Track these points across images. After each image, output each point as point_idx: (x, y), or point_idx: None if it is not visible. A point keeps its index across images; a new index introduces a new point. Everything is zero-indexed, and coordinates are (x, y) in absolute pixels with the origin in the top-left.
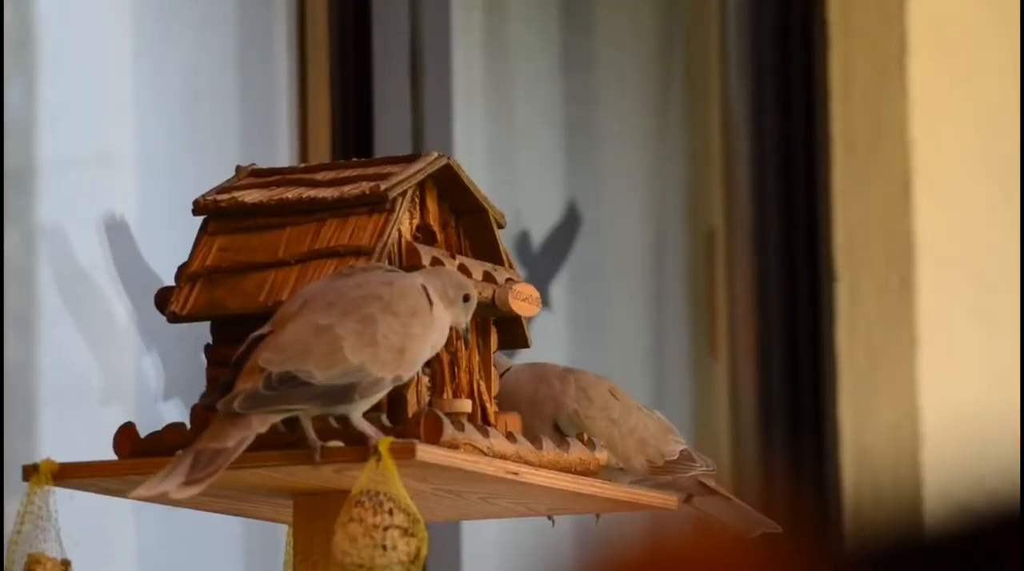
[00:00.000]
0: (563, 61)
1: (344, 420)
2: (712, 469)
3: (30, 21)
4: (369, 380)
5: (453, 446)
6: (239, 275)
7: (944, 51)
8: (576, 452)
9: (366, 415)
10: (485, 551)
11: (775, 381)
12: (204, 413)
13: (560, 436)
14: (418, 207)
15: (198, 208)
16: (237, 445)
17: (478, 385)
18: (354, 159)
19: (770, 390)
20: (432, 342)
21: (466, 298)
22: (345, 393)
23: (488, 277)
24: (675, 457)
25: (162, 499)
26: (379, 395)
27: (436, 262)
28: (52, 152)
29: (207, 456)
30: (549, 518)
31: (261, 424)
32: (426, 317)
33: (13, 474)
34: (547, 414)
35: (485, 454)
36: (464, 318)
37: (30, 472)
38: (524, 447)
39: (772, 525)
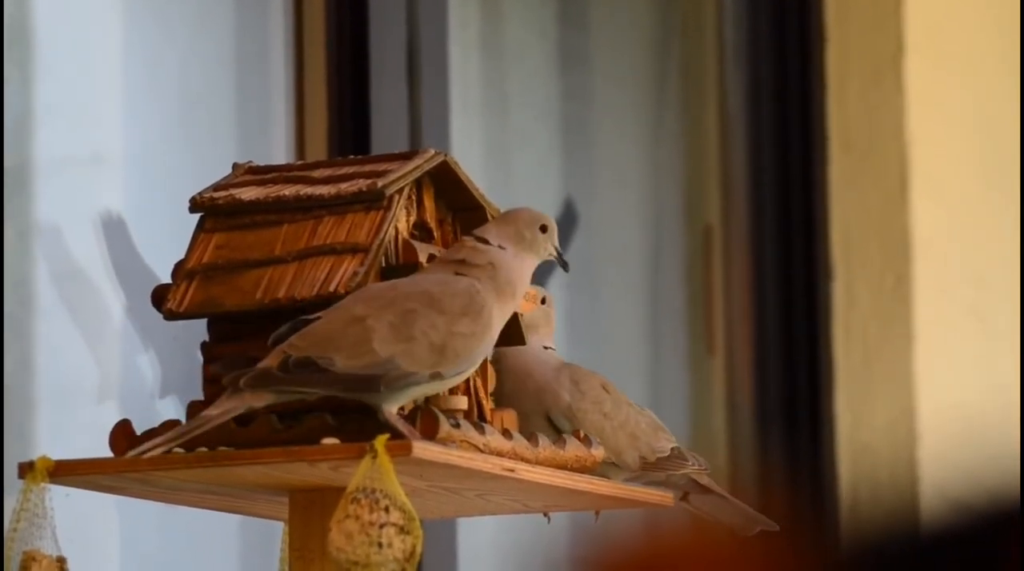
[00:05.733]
0: (560, 59)
1: (374, 413)
2: (705, 467)
3: (26, 20)
4: (396, 373)
5: (449, 443)
6: (236, 272)
7: (941, 50)
8: (572, 449)
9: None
10: (481, 548)
11: (772, 378)
12: (200, 409)
13: (552, 429)
14: (415, 204)
15: (195, 205)
16: (221, 415)
17: (474, 382)
18: (351, 156)
19: (767, 387)
20: (488, 343)
21: (543, 229)
22: (369, 383)
23: None
24: (666, 454)
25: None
26: (416, 390)
27: (433, 259)
28: (48, 151)
29: (192, 422)
30: (545, 515)
31: (255, 398)
32: (478, 318)
33: (9, 471)
34: (544, 405)
35: (481, 451)
36: (550, 248)
37: (26, 469)
38: (520, 444)
39: (769, 523)
